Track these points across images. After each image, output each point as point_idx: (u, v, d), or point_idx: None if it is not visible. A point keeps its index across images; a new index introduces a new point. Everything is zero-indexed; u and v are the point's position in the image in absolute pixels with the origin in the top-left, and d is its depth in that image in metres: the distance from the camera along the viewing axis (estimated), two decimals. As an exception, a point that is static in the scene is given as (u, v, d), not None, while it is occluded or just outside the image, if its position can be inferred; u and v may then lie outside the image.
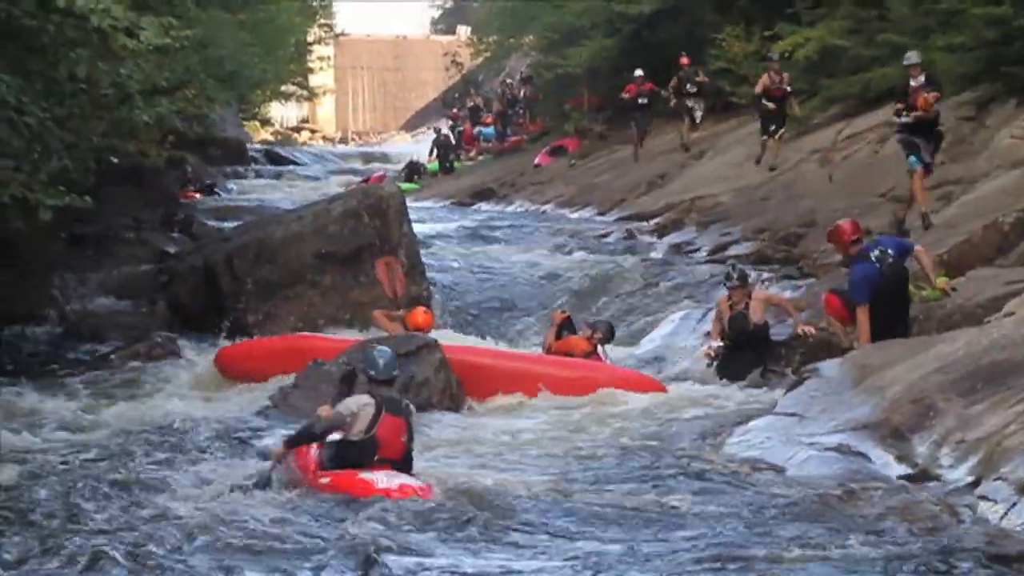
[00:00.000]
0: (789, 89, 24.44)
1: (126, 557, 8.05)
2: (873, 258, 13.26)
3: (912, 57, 17.87)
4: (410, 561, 8.10)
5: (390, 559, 8.11)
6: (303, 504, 9.63)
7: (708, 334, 15.63)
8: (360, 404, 10.28)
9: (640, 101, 31.13)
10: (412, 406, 10.57)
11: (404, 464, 10.14)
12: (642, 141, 31.14)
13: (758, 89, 24.71)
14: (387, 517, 9.09)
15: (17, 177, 13.47)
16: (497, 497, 9.69)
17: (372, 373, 10.42)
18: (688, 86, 29.94)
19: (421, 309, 16.09)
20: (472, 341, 17.11)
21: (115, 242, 20.53)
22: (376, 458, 10.05)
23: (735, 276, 15.21)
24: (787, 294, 17.35)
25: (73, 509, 9.26)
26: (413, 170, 41.88)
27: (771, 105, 24.23)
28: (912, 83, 17.65)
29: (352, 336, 15.99)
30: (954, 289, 13.70)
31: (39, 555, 8.20)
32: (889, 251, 13.33)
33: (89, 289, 18.58)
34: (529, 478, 10.41)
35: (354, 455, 10.11)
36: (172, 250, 21.21)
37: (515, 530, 8.79)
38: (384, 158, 51.98)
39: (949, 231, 15.63)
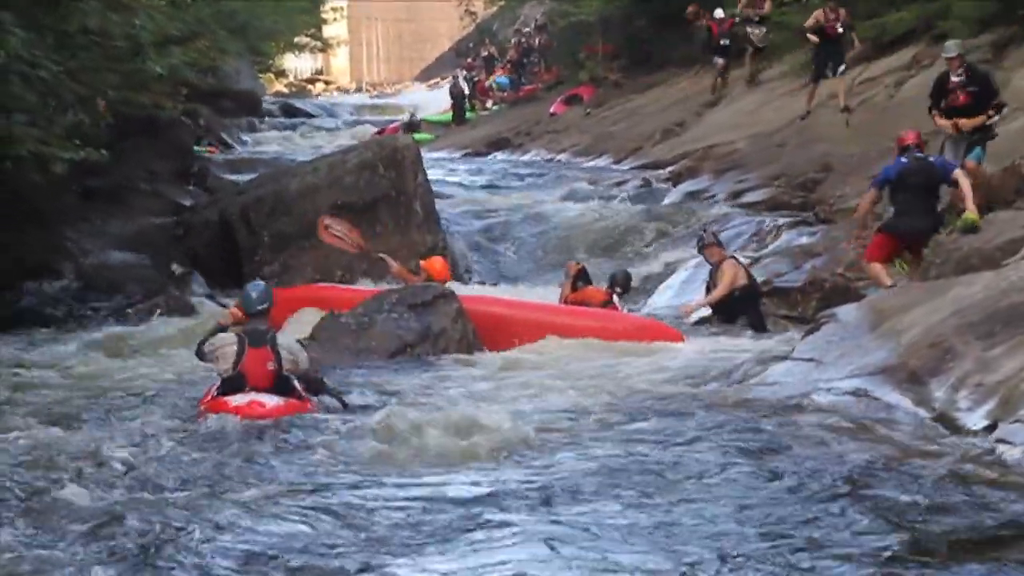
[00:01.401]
0: (841, 30, 22.97)
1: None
2: (906, 158, 14.05)
3: (951, 48, 15.79)
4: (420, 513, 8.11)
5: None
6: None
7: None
8: (223, 341, 11.07)
9: (723, 43, 29.56)
10: (265, 331, 11.06)
11: (277, 389, 10.81)
12: (725, 80, 29.99)
13: (809, 23, 23.32)
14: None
15: (32, 132, 13.48)
16: (511, 444, 9.70)
17: (244, 308, 11.19)
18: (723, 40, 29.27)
19: (438, 258, 16.09)
20: (488, 291, 17.12)
21: (130, 195, 20.51)
22: (248, 388, 10.79)
23: (705, 235, 15.45)
24: (803, 240, 17.35)
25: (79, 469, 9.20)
26: (411, 127, 41.82)
27: (814, 38, 22.94)
28: (953, 78, 15.65)
29: (369, 287, 16.00)
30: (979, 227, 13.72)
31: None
32: (930, 158, 14.16)
33: (104, 242, 18.58)
34: (544, 425, 10.41)
35: (229, 390, 10.85)
36: (188, 203, 21.22)
37: (527, 480, 8.78)
38: (399, 109, 51.84)
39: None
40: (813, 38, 23.06)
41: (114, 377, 12.94)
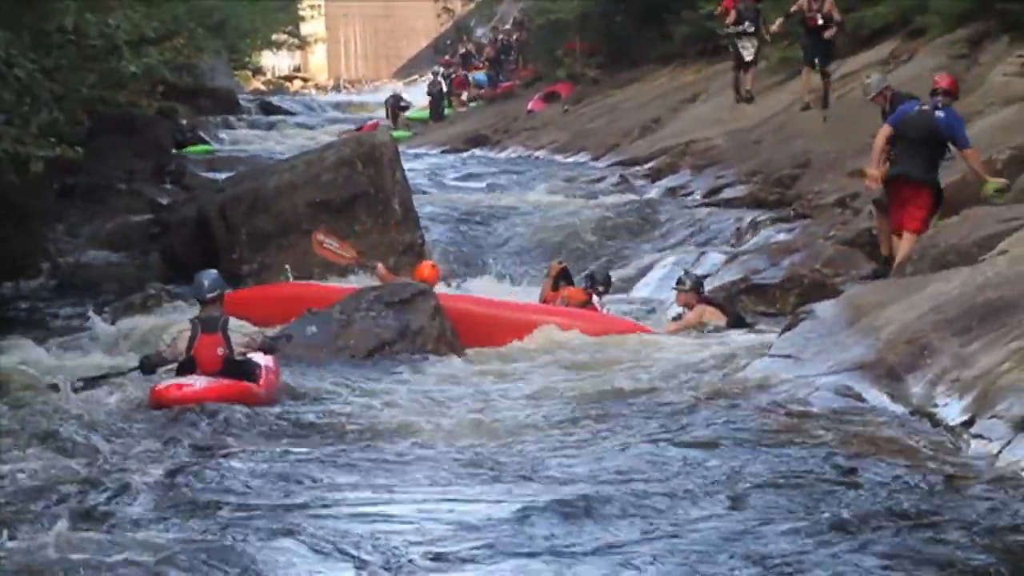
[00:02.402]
0: (821, 22, 21.57)
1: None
2: (922, 103, 14.40)
3: (876, 84, 16.69)
4: (403, 508, 8.10)
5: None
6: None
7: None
8: (178, 330, 11.62)
9: (745, 27, 24.71)
10: (228, 319, 11.51)
11: (226, 373, 11.24)
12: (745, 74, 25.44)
13: (792, 8, 22.09)
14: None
15: (9, 131, 13.44)
16: (487, 441, 9.72)
17: (195, 296, 11.71)
18: (746, 24, 24.52)
19: (428, 263, 16.10)
20: (469, 289, 17.12)
21: (107, 193, 20.48)
22: (198, 372, 11.25)
23: (687, 281, 15.01)
24: (781, 236, 17.38)
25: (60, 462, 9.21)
26: (396, 103, 41.64)
27: (775, 28, 22.52)
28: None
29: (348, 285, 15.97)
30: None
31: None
32: (939, 114, 14.15)
33: (82, 241, 18.57)
34: (520, 423, 10.42)
35: (181, 374, 11.31)
36: (165, 201, 21.18)
37: (507, 474, 8.78)
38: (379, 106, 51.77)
39: (942, 170, 15.56)
40: (775, 27, 23.13)
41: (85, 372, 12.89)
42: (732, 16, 24.53)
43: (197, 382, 11.13)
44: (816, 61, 21.97)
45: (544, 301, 15.99)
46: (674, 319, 15.13)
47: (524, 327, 14.54)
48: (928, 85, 14.89)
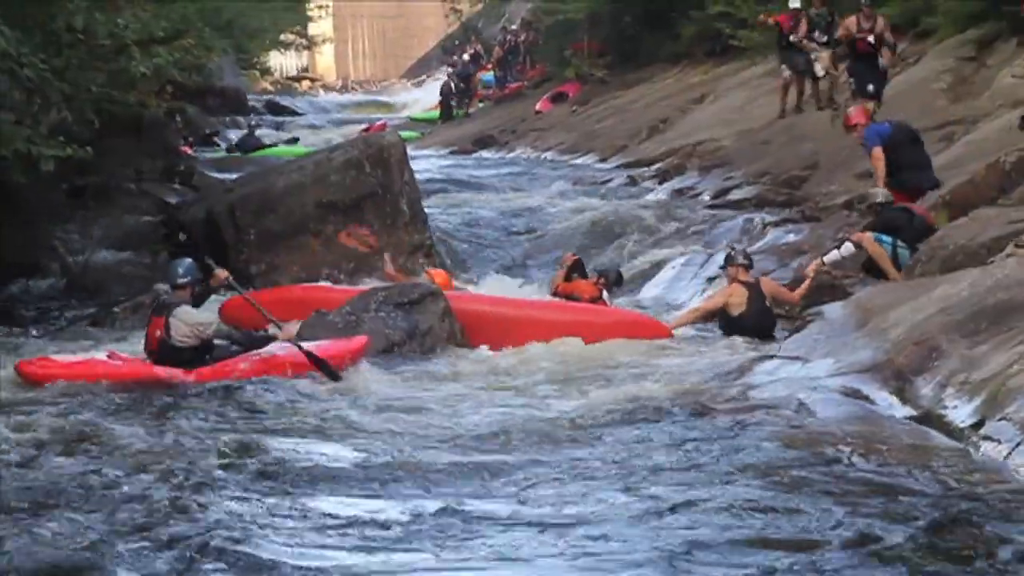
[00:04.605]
0: (873, 41, 19.43)
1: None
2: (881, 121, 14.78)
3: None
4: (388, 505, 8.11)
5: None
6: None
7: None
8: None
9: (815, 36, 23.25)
10: (177, 305, 12.29)
11: (160, 354, 12.22)
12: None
13: (840, 33, 20.36)
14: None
15: (21, 132, 13.46)
16: (488, 441, 9.73)
17: (167, 281, 12.81)
18: (816, 33, 23.08)
19: (440, 272, 16.14)
20: (479, 289, 17.13)
21: (116, 194, 20.45)
22: (145, 353, 12.42)
23: (737, 256, 14.74)
24: (790, 237, 17.36)
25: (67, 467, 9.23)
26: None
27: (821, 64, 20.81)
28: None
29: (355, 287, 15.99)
30: None
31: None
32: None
33: (91, 241, 18.54)
34: (524, 427, 10.42)
35: None
36: (174, 201, 21.18)
37: (506, 475, 8.78)
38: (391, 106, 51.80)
39: (951, 171, 15.59)
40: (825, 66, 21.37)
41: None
42: (803, 28, 23.01)
43: (69, 359, 12.30)
44: (870, 89, 19.28)
45: (555, 292, 16.01)
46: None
47: (536, 325, 14.53)
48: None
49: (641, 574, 6.69)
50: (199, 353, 12.37)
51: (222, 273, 13.30)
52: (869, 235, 14.09)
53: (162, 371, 12.14)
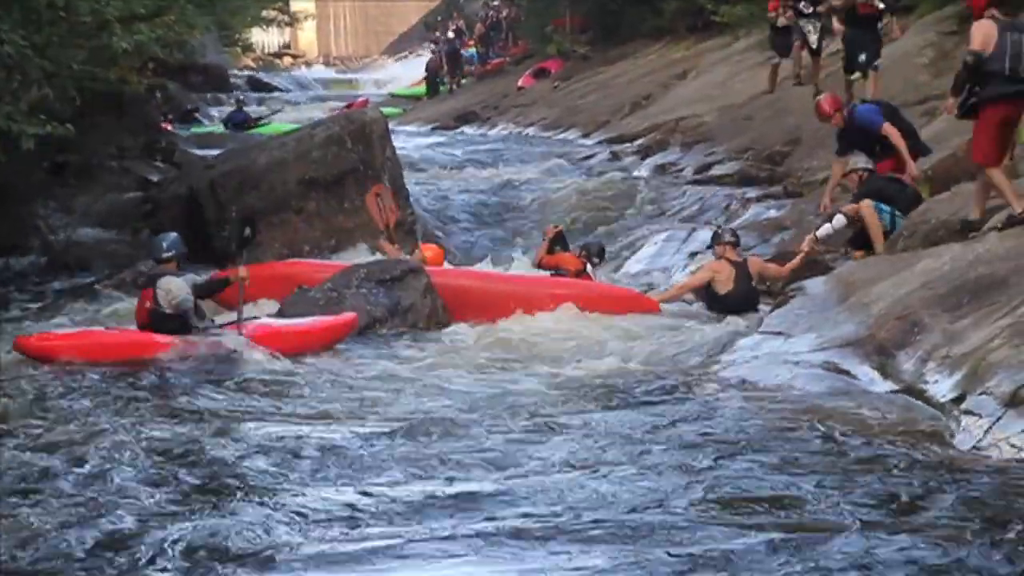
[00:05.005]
0: (882, 6, 18.41)
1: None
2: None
3: None
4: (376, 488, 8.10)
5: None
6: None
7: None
8: None
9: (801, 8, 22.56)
10: (158, 274, 12.58)
11: (151, 325, 12.44)
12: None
13: (837, 2, 19.32)
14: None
15: (1, 109, 13.41)
16: (471, 423, 9.71)
17: (152, 256, 13.03)
18: (803, 4, 22.50)
19: (432, 246, 16.13)
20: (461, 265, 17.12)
21: (98, 171, 20.42)
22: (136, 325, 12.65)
23: (725, 234, 14.80)
24: (771, 213, 17.38)
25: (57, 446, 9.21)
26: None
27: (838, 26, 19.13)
28: None
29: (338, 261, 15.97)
30: None
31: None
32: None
33: (72, 219, 18.52)
34: (509, 400, 10.43)
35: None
36: (155, 178, 21.13)
37: (488, 456, 8.75)
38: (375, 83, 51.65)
39: (933, 146, 15.60)
40: (838, 26, 19.86)
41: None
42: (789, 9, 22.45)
43: (66, 332, 12.64)
44: (861, 59, 18.21)
45: (539, 265, 16.03)
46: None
47: (519, 300, 14.54)
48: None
49: (621, 550, 6.68)
50: (184, 322, 12.53)
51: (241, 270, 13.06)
52: (869, 204, 13.92)
53: (160, 337, 12.32)
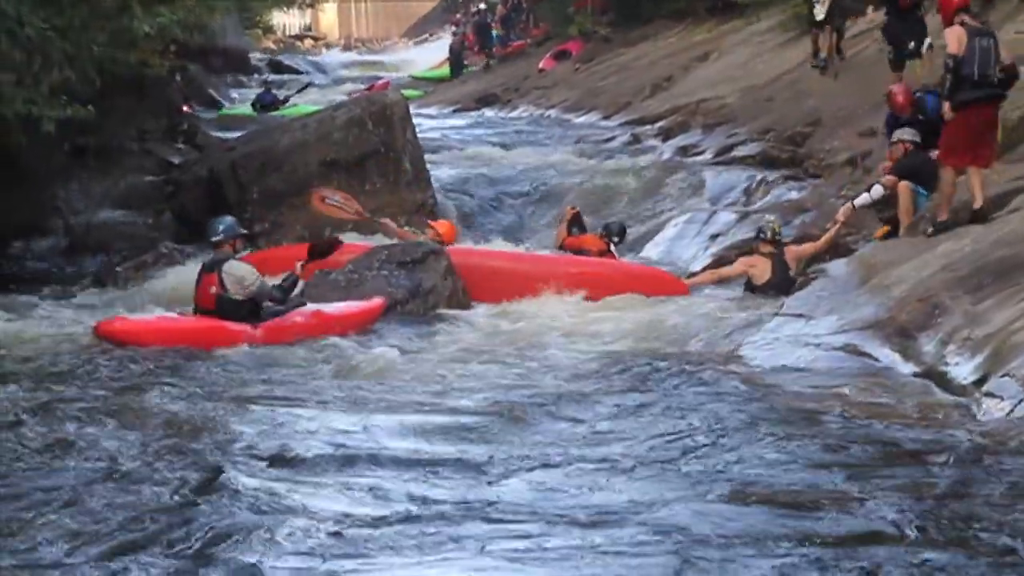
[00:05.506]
0: None
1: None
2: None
3: None
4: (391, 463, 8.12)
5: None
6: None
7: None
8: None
9: None
10: (225, 260, 12.36)
11: (219, 311, 12.21)
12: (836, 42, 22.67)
13: None
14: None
15: (21, 92, 13.41)
16: (494, 400, 9.72)
17: (208, 238, 12.72)
18: None
19: (444, 223, 16.11)
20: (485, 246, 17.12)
21: (119, 153, 20.41)
22: (195, 311, 12.41)
23: (768, 231, 14.62)
24: (792, 195, 17.35)
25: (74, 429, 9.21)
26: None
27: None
28: None
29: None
30: None
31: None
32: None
33: (93, 201, 18.52)
34: (527, 385, 10.42)
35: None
36: (177, 161, 21.14)
37: (509, 437, 8.76)
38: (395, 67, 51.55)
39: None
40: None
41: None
42: None
43: (144, 318, 12.39)
44: (912, 46, 17.27)
45: (561, 246, 16.02)
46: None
47: (543, 279, 14.51)
48: (940, 44, 14.83)
49: (640, 533, 6.69)
50: (255, 307, 12.42)
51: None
52: (907, 186, 13.77)
53: (233, 325, 12.20)
